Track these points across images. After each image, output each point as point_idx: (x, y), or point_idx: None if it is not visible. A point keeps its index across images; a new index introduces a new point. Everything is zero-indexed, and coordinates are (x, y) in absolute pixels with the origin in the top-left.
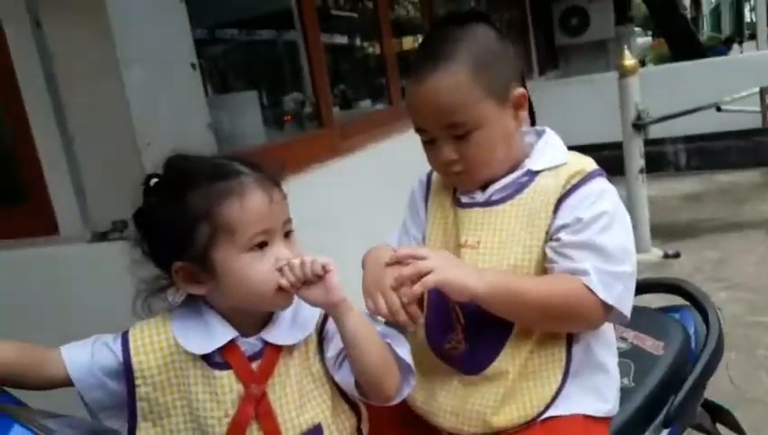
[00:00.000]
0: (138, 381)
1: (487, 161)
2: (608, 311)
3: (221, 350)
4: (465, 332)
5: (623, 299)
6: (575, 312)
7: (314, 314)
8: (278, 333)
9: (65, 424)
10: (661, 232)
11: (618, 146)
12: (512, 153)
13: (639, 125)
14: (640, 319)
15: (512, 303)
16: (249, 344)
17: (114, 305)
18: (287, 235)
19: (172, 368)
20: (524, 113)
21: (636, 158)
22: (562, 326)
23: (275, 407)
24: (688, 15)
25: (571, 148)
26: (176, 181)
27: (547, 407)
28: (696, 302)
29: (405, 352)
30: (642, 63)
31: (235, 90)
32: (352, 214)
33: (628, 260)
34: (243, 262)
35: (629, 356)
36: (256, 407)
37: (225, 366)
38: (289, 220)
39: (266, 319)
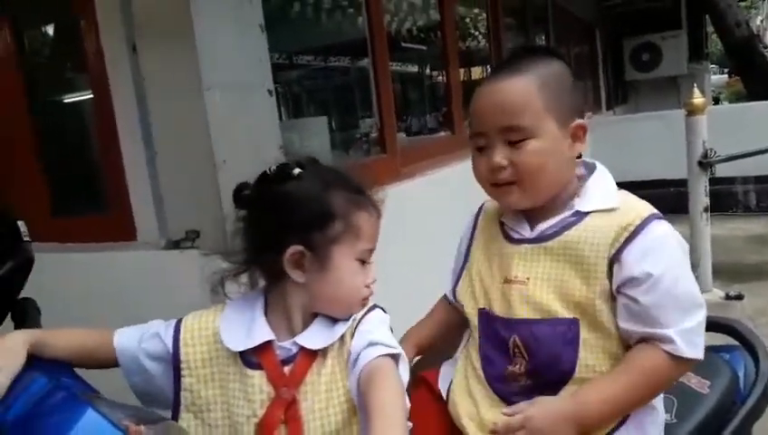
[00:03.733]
0: (184, 372)
1: (537, 175)
2: (689, 365)
3: (256, 350)
4: (530, 368)
5: (702, 347)
6: (667, 380)
7: (344, 323)
8: (310, 337)
9: (129, 412)
10: (724, 273)
11: (684, 183)
12: (562, 179)
13: (705, 163)
14: None
15: (615, 409)
16: (283, 349)
17: (183, 308)
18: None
19: (216, 362)
20: (582, 146)
21: (700, 196)
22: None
23: (304, 413)
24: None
25: (636, 183)
26: (327, 177)
27: None
28: (748, 343)
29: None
30: (716, 101)
31: (306, 113)
32: (409, 238)
33: (701, 306)
34: (352, 266)
35: (673, 393)
36: (286, 411)
37: (258, 366)
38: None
39: (306, 325)
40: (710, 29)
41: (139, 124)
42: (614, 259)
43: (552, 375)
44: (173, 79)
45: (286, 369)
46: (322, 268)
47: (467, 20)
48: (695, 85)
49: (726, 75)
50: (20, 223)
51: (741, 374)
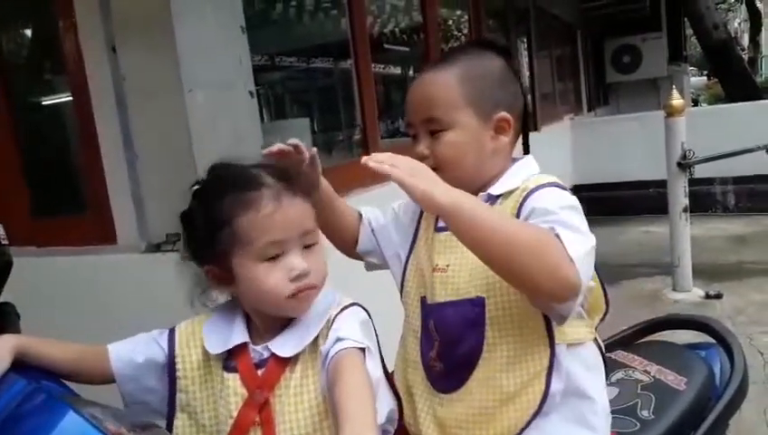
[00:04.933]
0: (179, 374)
1: (455, 164)
2: (571, 267)
3: (233, 353)
4: (439, 351)
5: (583, 265)
6: (540, 252)
7: (316, 326)
8: (283, 343)
9: (110, 414)
10: (704, 272)
11: (664, 184)
12: (483, 171)
13: (684, 164)
14: (664, 354)
15: (477, 226)
16: (257, 352)
17: (164, 310)
18: (308, 247)
19: (205, 365)
20: (506, 139)
21: (679, 196)
22: (524, 272)
23: (277, 416)
24: (746, 56)
25: (617, 184)
26: (209, 187)
27: (523, 430)
28: (723, 340)
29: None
30: (695, 103)
31: (289, 115)
32: None
33: (591, 236)
34: (257, 271)
35: (651, 389)
36: (260, 413)
37: (234, 369)
38: (309, 232)
39: (284, 325)
40: (689, 32)
41: (119, 126)
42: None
43: (458, 357)
44: (153, 80)
45: (260, 372)
46: (233, 280)
47: (450, 22)
48: (673, 87)
49: (705, 77)
50: None
51: (717, 371)
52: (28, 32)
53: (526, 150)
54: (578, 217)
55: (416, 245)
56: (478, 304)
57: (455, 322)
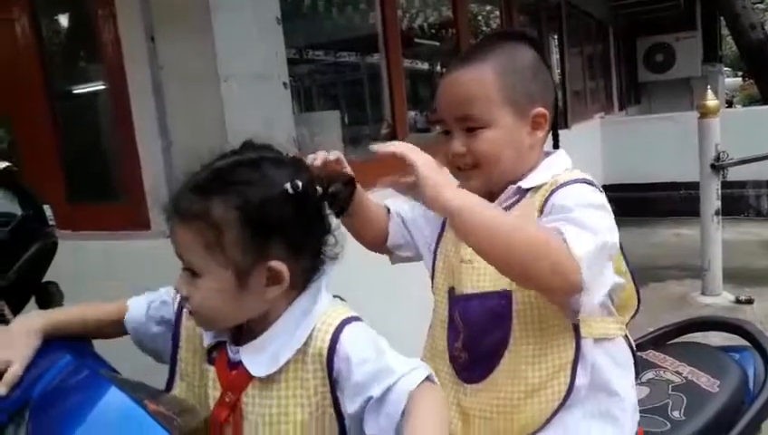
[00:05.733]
0: (181, 344)
1: (493, 161)
2: (572, 264)
3: (217, 345)
4: (465, 341)
5: (590, 262)
6: (537, 251)
7: (291, 345)
8: (254, 358)
9: (148, 393)
10: (735, 277)
11: (695, 186)
12: (519, 166)
13: (718, 166)
14: (697, 355)
15: (481, 227)
16: (232, 352)
17: None
18: (187, 270)
19: (201, 347)
20: (542, 134)
21: (712, 199)
22: (525, 271)
23: (247, 425)
24: None
25: (647, 185)
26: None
27: (547, 422)
28: (757, 343)
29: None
30: (729, 104)
31: (319, 107)
32: None
33: (606, 233)
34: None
35: (683, 390)
36: (232, 414)
37: (213, 363)
38: (188, 260)
39: (254, 332)
40: (725, 31)
41: (156, 114)
42: (540, 214)
43: (484, 348)
44: (190, 69)
45: (234, 373)
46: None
47: (480, 17)
48: (708, 87)
49: (740, 78)
50: (45, 207)
51: (750, 374)
52: (68, 20)
53: (556, 145)
54: (596, 215)
55: (443, 236)
56: (504, 297)
57: (481, 314)
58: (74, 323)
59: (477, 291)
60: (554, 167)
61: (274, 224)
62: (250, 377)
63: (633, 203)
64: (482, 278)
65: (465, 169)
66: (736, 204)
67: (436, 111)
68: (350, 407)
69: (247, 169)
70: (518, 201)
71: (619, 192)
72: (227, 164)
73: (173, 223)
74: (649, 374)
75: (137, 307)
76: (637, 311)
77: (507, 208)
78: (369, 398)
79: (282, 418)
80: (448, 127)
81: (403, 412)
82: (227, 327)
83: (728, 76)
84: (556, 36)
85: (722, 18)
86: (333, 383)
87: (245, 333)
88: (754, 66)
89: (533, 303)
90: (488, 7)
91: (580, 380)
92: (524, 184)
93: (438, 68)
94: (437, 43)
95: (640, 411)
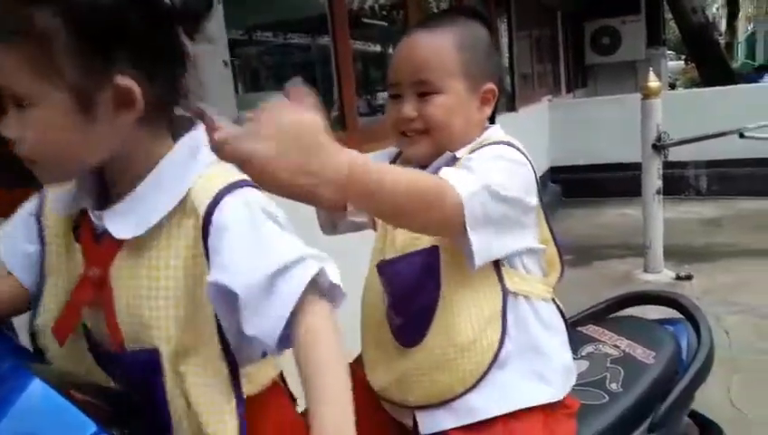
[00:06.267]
0: (47, 239)
1: (443, 127)
2: (453, 197)
3: (81, 220)
4: (395, 306)
5: (475, 204)
6: (427, 199)
7: (164, 204)
8: (118, 219)
9: (72, 381)
10: (676, 254)
11: (639, 167)
12: (464, 137)
13: (659, 146)
14: (634, 328)
15: (375, 184)
16: (96, 219)
17: None
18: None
19: (66, 231)
20: (488, 110)
21: (653, 178)
22: (409, 220)
23: (117, 301)
24: (723, 41)
25: (595, 166)
26: None
27: (481, 379)
28: (691, 316)
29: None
30: (672, 87)
31: (267, 88)
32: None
33: (495, 176)
34: None
35: (620, 363)
36: (98, 293)
37: (78, 239)
38: (12, 89)
39: (131, 187)
40: (669, 15)
41: None
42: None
43: (414, 308)
44: None
45: (99, 244)
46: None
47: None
48: (651, 69)
49: (683, 62)
50: None
51: (684, 345)
52: None
53: (492, 121)
54: (494, 165)
55: None
56: (433, 253)
57: (410, 274)
58: None
59: (401, 253)
60: (487, 137)
61: (111, 29)
62: (117, 245)
63: (580, 184)
64: (407, 240)
65: (411, 135)
66: (677, 184)
67: (389, 75)
68: (238, 290)
69: None
70: (449, 165)
71: (566, 174)
72: None
73: None
74: (588, 348)
75: (4, 243)
76: (562, 274)
77: (436, 171)
78: (247, 286)
79: (152, 292)
80: (401, 90)
81: (292, 315)
82: (79, 175)
83: (671, 59)
84: (505, 19)
85: (665, 2)
86: (210, 259)
87: (112, 198)
88: (695, 50)
89: (458, 255)
90: None
91: (511, 332)
92: (459, 153)
93: (389, 50)
94: (386, 24)
95: (580, 385)
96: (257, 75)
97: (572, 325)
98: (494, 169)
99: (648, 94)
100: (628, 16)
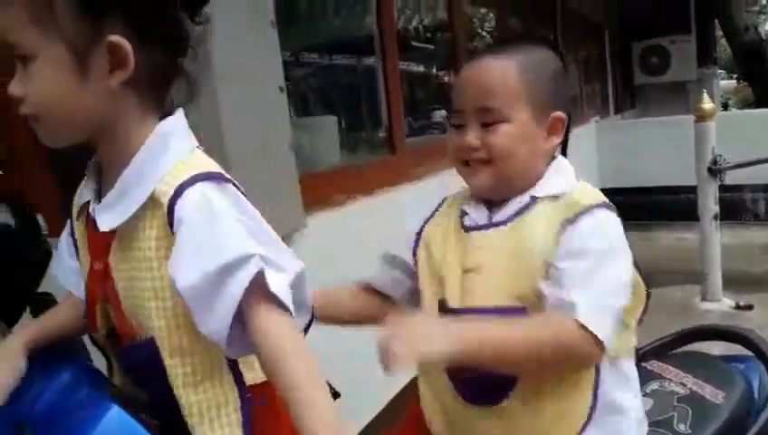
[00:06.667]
0: (78, 243)
1: (507, 157)
2: (593, 348)
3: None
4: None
5: (611, 337)
6: (567, 352)
7: (139, 195)
8: (103, 209)
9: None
10: (734, 282)
11: (693, 190)
12: (532, 169)
13: (715, 170)
14: (700, 365)
15: (499, 355)
16: (93, 211)
17: None
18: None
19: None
20: (557, 141)
21: (710, 203)
22: (558, 368)
23: (121, 292)
24: None
25: (645, 189)
26: None
27: None
28: (762, 353)
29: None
30: (725, 107)
31: (315, 110)
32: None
33: (623, 295)
34: None
35: (687, 402)
36: (104, 284)
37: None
38: (16, 42)
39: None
40: (719, 33)
41: None
42: (556, 244)
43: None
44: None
45: (98, 234)
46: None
47: (475, 20)
48: (704, 90)
49: (735, 81)
50: (39, 217)
51: (755, 385)
52: None
53: (564, 152)
54: (616, 269)
55: (424, 248)
56: (522, 313)
57: None
58: (54, 331)
59: (485, 305)
60: (563, 173)
61: None
62: (111, 236)
63: (631, 207)
64: (491, 290)
65: (473, 165)
66: (734, 208)
67: (452, 102)
68: (179, 285)
69: None
70: (527, 208)
71: (617, 196)
72: None
73: None
74: (653, 385)
75: (57, 265)
76: (646, 306)
77: (517, 214)
78: (189, 283)
79: (139, 283)
80: (464, 118)
81: (236, 319)
82: (74, 138)
83: (723, 79)
84: (551, 38)
85: (717, 21)
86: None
87: (105, 190)
88: (748, 68)
89: None
90: (483, 10)
91: (598, 402)
92: (537, 192)
93: (434, 71)
94: (433, 47)
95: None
96: (305, 98)
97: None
98: (618, 280)
99: (702, 116)
100: (677, 35)
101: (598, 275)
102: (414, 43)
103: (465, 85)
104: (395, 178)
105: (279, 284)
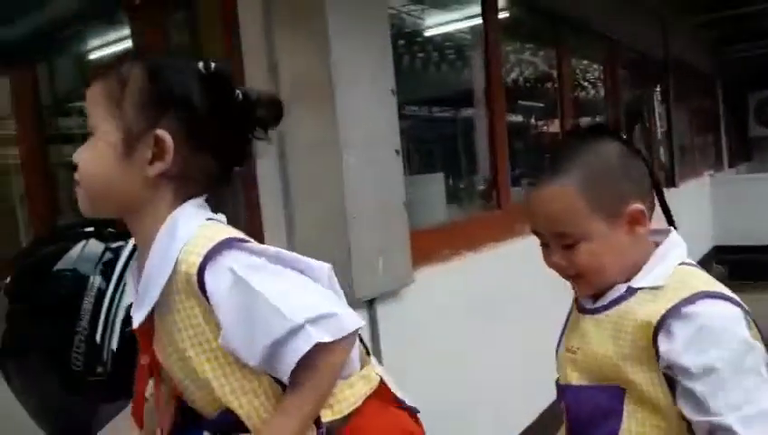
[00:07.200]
0: None
1: (597, 270)
2: None
3: None
4: (572, 431)
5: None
6: None
7: (157, 286)
8: (137, 305)
9: None
10: None
11: None
12: (625, 264)
13: None
14: None
15: None
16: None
17: None
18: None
19: None
20: (643, 229)
21: None
22: None
23: (172, 376)
24: None
25: (760, 248)
26: None
27: None
28: None
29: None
30: None
31: (419, 167)
32: (519, 295)
33: (762, 390)
34: None
35: None
36: (156, 376)
37: None
38: (90, 118)
39: None
40: None
41: (280, 178)
42: (656, 336)
43: None
44: (312, 136)
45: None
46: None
47: (578, 72)
48: None
49: None
50: None
51: None
52: None
53: (669, 220)
54: (740, 370)
55: (564, 332)
56: (617, 392)
57: (592, 406)
58: None
59: (584, 383)
60: (667, 259)
61: (177, 92)
62: (150, 328)
63: (747, 266)
64: (588, 369)
65: (570, 278)
66: None
67: (531, 224)
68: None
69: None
70: (628, 297)
71: (732, 254)
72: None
73: None
74: None
75: None
76: None
77: (615, 303)
78: (251, 356)
79: (179, 362)
80: (545, 240)
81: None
82: (108, 213)
83: None
84: (662, 91)
85: None
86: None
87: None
88: None
89: (648, 401)
90: (585, 61)
91: None
92: (635, 283)
93: (538, 123)
94: (542, 105)
95: None
96: (410, 153)
97: None
98: (749, 374)
99: None
100: None
101: (735, 385)
102: (523, 102)
103: (534, 213)
104: (501, 233)
105: (329, 336)
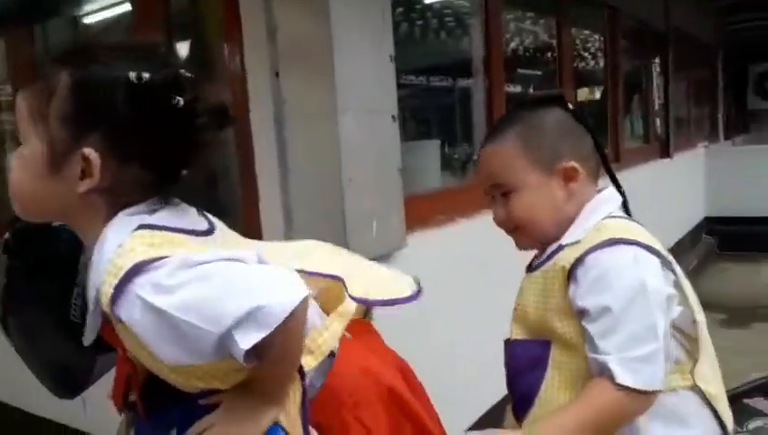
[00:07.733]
0: None
1: (529, 222)
2: (639, 400)
3: None
4: (508, 383)
5: (654, 379)
6: (618, 413)
7: (97, 309)
8: (87, 325)
9: None
10: None
11: None
12: (559, 218)
13: None
14: None
15: None
16: None
17: None
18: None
19: None
20: (576, 185)
21: None
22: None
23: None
24: None
25: (755, 219)
26: None
27: None
28: None
29: None
30: None
31: (415, 135)
32: (510, 262)
33: (653, 338)
34: None
35: None
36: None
37: None
38: (20, 126)
39: None
40: None
41: (276, 144)
42: (569, 282)
43: (521, 389)
44: (311, 104)
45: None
46: None
47: (578, 42)
48: None
49: None
50: None
51: None
52: (195, 50)
53: (616, 186)
54: (634, 311)
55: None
56: (541, 345)
57: (520, 359)
58: None
59: (520, 337)
60: (592, 216)
61: (102, 107)
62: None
63: (738, 237)
64: (523, 325)
65: (511, 234)
66: None
67: (479, 181)
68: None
69: (113, 51)
70: (557, 253)
71: (723, 225)
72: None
73: None
74: (757, 422)
75: None
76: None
77: (548, 259)
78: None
79: (141, 361)
80: (489, 193)
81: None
82: (45, 218)
83: None
84: (661, 62)
85: None
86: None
87: None
88: None
89: (573, 356)
90: (586, 31)
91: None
92: (565, 240)
93: (532, 91)
94: (539, 72)
95: None
96: (405, 121)
97: (739, 396)
98: (645, 326)
99: None
100: None
101: (623, 328)
102: (522, 71)
103: (480, 169)
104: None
105: (250, 342)
